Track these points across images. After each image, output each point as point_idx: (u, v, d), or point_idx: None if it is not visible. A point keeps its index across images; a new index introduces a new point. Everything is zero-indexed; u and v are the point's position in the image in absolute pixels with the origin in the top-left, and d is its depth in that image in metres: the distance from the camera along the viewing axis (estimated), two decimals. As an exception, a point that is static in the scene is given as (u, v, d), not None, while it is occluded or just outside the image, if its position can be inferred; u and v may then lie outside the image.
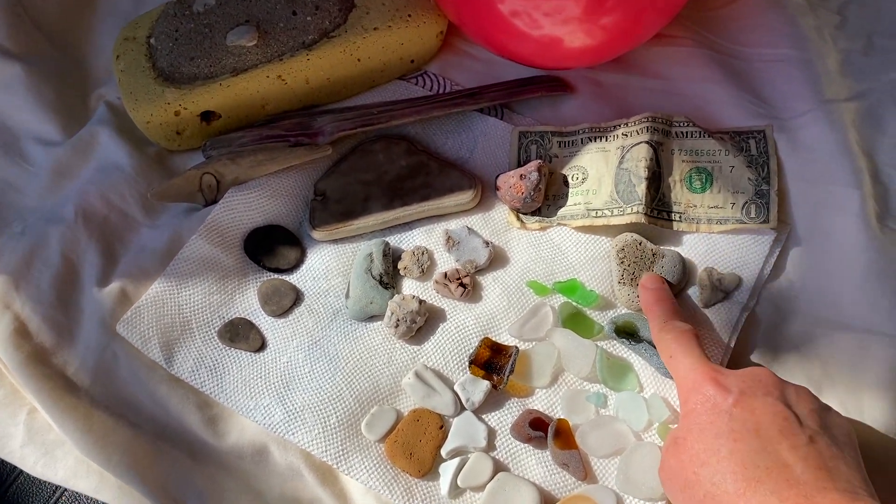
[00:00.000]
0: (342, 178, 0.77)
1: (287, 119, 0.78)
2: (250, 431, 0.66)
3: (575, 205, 0.75)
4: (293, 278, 0.74)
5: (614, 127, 0.76)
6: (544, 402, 0.67)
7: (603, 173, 0.74)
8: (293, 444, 0.65)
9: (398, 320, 0.72)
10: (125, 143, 0.78)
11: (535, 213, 0.75)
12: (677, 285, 0.70)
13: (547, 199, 0.76)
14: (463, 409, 0.66)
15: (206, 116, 0.78)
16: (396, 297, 0.70)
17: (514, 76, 0.81)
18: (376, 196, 0.75)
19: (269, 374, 0.69)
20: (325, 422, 0.65)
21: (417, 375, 0.67)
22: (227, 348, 0.70)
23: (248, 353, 0.70)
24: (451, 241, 0.74)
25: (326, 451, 0.64)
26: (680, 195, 0.73)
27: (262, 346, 0.71)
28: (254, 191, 0.76)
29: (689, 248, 0.72)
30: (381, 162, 0.77)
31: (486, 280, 0.73)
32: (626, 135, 0.75)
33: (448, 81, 0.82)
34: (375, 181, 0.76)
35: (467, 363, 0.67)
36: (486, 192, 0.77)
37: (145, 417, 0.66)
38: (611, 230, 0.72)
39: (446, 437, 0.65)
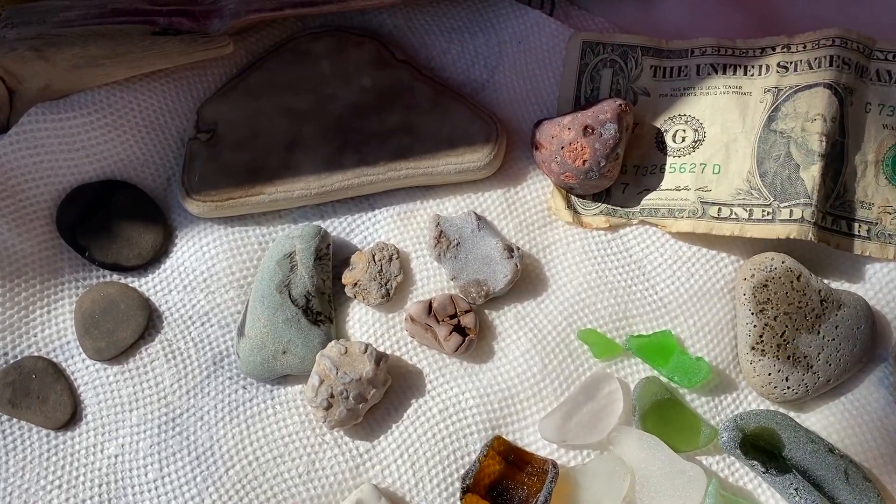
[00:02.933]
0: (250, 101, 0.50)
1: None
2: None
3: (677, 189, 0.49)
4: (147, 285, 0.48)
5: (762, 50, 0.51)
6: (601, 578, 0.43)
7: (735, 135, 0.50)
8: None
9: (332, 395, 0.42)
10: None
11: (601, 197, 0.51)
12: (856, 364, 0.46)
13: (625, 172, 0.50)
14: (445, 584, 0.42)
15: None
16: (332, 347, 0.44)
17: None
18: (311, 141, 0.49)
19: (77, 479, 0.43)
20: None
21: None
22: (3, 419, 0.45)
23: (44, 432, 0.44)
24: (443, 241, 0.47)
25: None
26: (873, 190, 0.48)
27: (72, 417, 0.45)
28: (80, 114, 0.48)
29: (878, 289, 0.49)
30: (325, 76, 0.51)
31: (504, 320, 0.48)
32: (786, 66, 0.50)
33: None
34: (313, 112, 0.50)
35: (459, 489, 0.42)
36: (513, 150, 0.51)
37: None
38: (740, 244, 0.49)
39: None
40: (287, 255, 0.45)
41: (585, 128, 0.46)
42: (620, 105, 0.47)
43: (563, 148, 0.46)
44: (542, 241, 0.48)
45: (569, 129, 0.47)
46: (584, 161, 0.46)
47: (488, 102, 0.51)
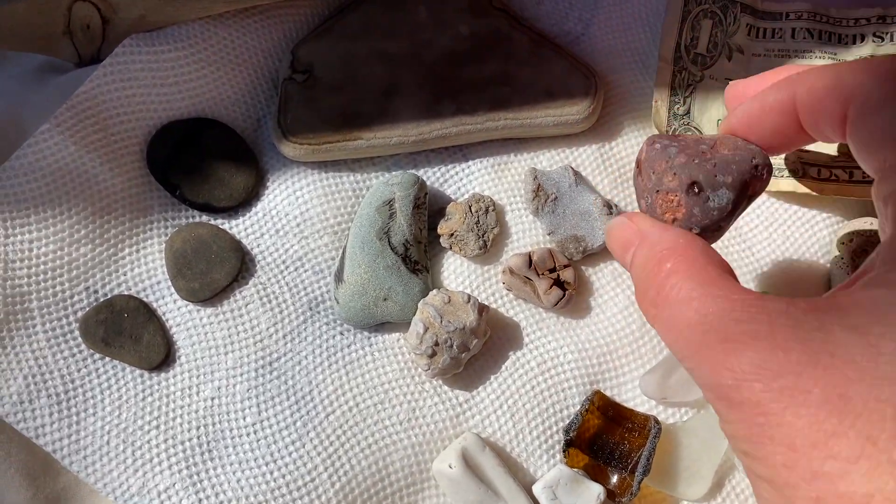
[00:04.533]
0: (346, 44, 0.48)
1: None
2: (127, 538, 0.40)
3: (774, 151, 0.41)
4: (237, 227, 0.46)
5: (856, 21, 0.50)
6: (701, 532, 0.42)
7: (833, 100, 0.43)
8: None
9: (436, 343, 0.41)
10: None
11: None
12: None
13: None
14: (548, 534, 0.41)
15: None
16: (435, 295, 0.43)
17: None
18: (408, 88, 0.47)
19: (174, 420, 0.42)
20: (278, 535, 0.39)
21: (464, 458, 0.41)
22: (96, 357, 0.42)
23: (138, 372, 0.43)
24: (541, 195, 0.46)
25: None
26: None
27: (165, 358, 0.43)
28: (174, 47, 0.45)
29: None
30: (422, 22, 0.48)
31: (601, 276, 0.47)
32: (881, 37, 0.49)
33: None
34: (409, 58, 0.48)
35: (562, 441, 0.42)
36: (608, 105, 0.50)
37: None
38: (836, 208, 0.48)
39: (514, 589, 0.40)
40: (386, 202, 0.44)
41: (693, 184, 0.31)
42: (757, 166, 0.32)
43: (658, 192, 0.33)
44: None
45: (674, 173, 0.32)
46: (675, 219, 0.32)
47: (583, 56, 0.49)
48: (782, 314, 0.24)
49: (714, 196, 0.32)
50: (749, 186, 0.32)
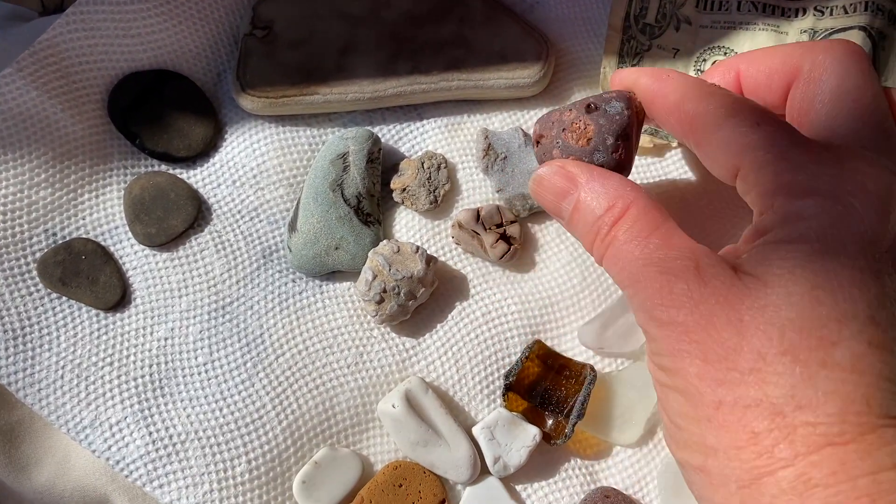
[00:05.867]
0: (306, 2, 0.49)
1: None
2: (80, 468, 0.42)
3: (716, 119, 0.43)
4: (195, 177, 0.48)
5: None
6: (631, 474, 0.45)
7: (772, 70, 0.49)
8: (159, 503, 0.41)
9: (384, 290, 0.42)
10: None
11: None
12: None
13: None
14: (486, 472, 0.43)
15: None
16: (385, 245, 0.45)
17: None
18: (365, 46, 0.49)
19: (127, 358, 0.44)
20: (224, 469, 0.41)
21: (408, 399, 0.43)
22: (52, 297, 0.44)
23: (93, 312, 0.44)
24: (491, 154, 0.48)
25: (222, 526, 0.40)
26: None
27: (121, 300, 0.45)
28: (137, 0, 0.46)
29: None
30: None
31: (547, 233, 0.48)
32: (822, 10, 0.50)
33: None
34: (367, 18, 0.49)
35: (501, 386, 0.44)
36: (558, 72, 0.52)
37: None
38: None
39: (450, 523, 0.42)
40: (340, 155, 0.45)
41: (588, 105, 0.38)
42: (629, 93, 0.38)
43: (564, 130, 0.38)
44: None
45: (570, 110, 0.38)
46: (589, 140, 0.37)
47: (537, 23, 0.51)
48: (705, 256, 0.31)
49: (609, 107, 0.37)
50: (632, 101, 0.38)
